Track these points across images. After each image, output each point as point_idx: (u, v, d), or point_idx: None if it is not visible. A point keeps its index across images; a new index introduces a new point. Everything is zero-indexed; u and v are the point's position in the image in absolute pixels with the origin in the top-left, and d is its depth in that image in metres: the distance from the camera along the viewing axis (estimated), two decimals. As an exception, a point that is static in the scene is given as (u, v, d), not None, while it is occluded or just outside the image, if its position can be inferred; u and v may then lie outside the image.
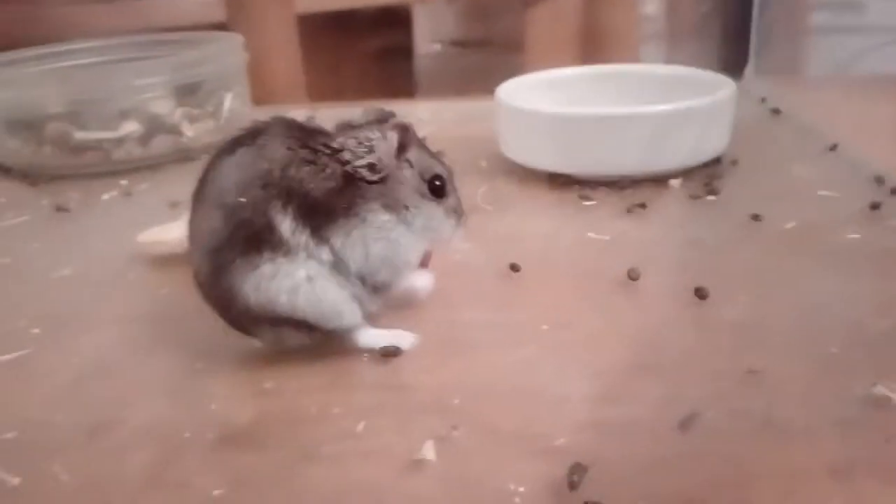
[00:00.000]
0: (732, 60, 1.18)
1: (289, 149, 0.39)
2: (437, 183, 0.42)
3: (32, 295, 0.54)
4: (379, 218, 0.40)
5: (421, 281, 0.45)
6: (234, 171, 0.39)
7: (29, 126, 0.78)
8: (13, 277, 0.57)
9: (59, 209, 0.70)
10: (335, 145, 0.40)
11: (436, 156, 0.44)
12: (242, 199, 0.38)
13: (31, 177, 0.79)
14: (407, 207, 0.41)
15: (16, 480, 0.35)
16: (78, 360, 0.45)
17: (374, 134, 0.40)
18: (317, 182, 0.39)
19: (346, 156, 0.40)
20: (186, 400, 0.40)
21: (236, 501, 0.33)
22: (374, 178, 0.40)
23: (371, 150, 0.40)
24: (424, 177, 0.42)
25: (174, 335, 0.46)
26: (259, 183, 0.38)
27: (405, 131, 0.40)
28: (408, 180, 0.41)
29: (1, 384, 0.43)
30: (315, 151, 0.40)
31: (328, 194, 0.39)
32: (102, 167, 0.78)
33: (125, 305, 0.51)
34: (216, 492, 0.33)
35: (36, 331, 0.48)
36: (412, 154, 0.41)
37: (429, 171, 0.42)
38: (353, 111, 0.44)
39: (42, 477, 0.35)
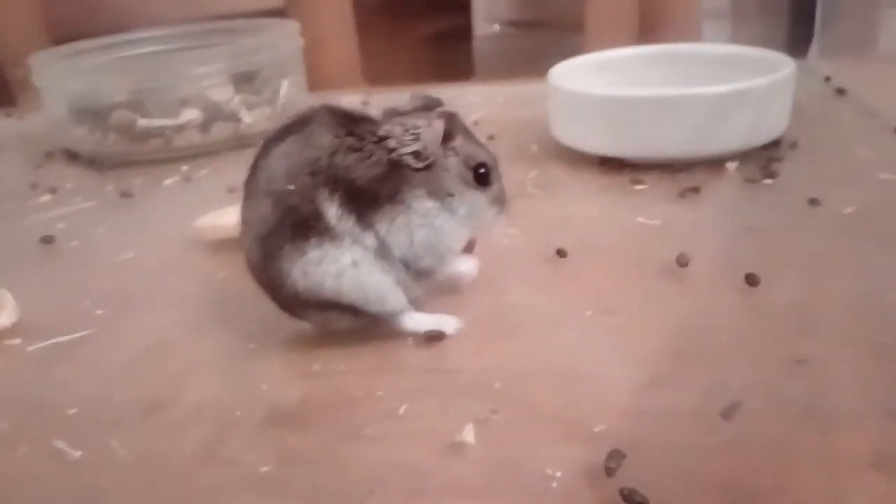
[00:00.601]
0: (798, 38, 1.14)
1: (335, 136, 0.40)
2: (482, 171, 0.42)
3: (97, 277, 0.56)
4: (423, 205, 0.41)
5: (466, 266, 0.45)
6: (282, 159, 0.40)
7: (95, 114, 0.81)
8: (80, 260, 0.60)
9: (124, 195, 0.73)
10: (381, 133, 0.41)
11: (481, 143, 0.44)
12: (291, 187, 0.39)
13: (97, 163, 0.82)
14: (451, 195, 0.42)
15: (77, 454, 0.37)
16: (137, 341, 0.47)
17: (420, 122, 0.41)
18: (363, 169, 0.40)
19: (392, 143, 0.40)
20: (239, 380, 0.42)
21: (282, 478, 0.34)
22: (420, 165, 0.40)
23: (417, 138, 0.40)
24: (469, 164, 0.42)
25: (229, 317, 0.48)
26: (307, 170, 0.39)
27: (451, 119, 0.41)
28: (453, 168, 0.42)
29: (65, 362, 0.45)
30: (361, 139, 0.40)
31: (374, 181, 0.40)
32: (164, 154, 0.81)
33: (183, 288, 0.53)
34: (264, 468, 0.35)
35: (99, 312, 0.51)
36: (457, 142, 0.42)
37: (473, 158, 0.42)
38: (405, 97, 0.45)
39: (101, 451, 0.37)
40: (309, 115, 0.41)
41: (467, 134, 0.43)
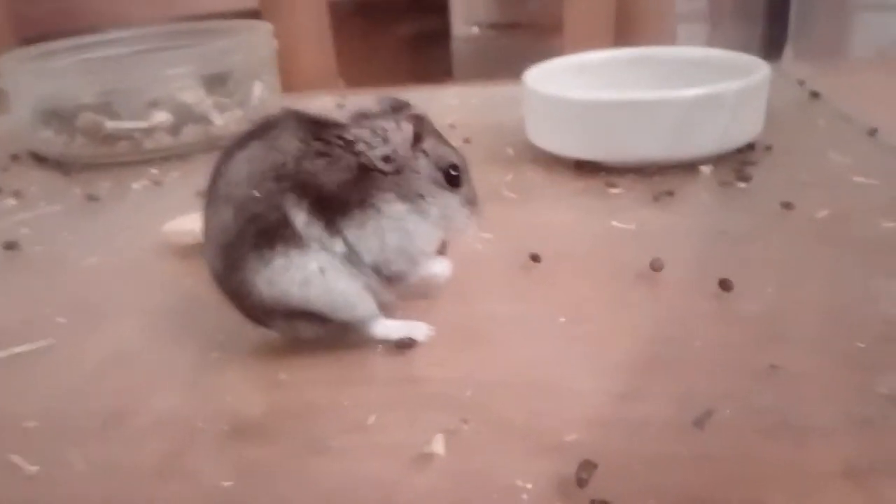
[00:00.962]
0: (773, 41, 1.14)
1: (302, 141, 0.39)
2: (453, 172, 0.41)
3: (60, 284, 0.55)
4: (394, 208, 0.40)
5: (439, 267, 0.44)
6: (245, 165, 0.39)
7: (62, 116, 0.79)
8: (43, 266, 0.58)
9: (91, 198, 0.71)
10: (349, 137, 0.40)
11: (451, 145, 0.43)
12: (256, 194, 0.38)
13: (64, 166, 0.80)
14: (422, 197, 0.41)
15: (34, 468, 0.36)
16: (99, 350, 0.45)
17: (389, 124, 0.40)
18: (331, 174, 0.39)
19: (361, 147, 0.39)
20: (202, 391, 0.41)
21: (244, 493, 0.33)
22: (389, 169, 0.40)
23: (386, 141, 0.39)
24: (440, 166, 0.41)
25: (194, 325, 0.47)
26: (272, 175, 0.38)
27: (420, 121, 0.40)
28: (423, 170, 0.41)
29: (24, 373, 0.44)
30: (328, 143, 0.39)
31: (343, 186, 0.39)
32: (133, 156, 0.80)
33: (148, 295, 0.52)
34: (226, 483, 0.34)
35: (61, 320, 0.49)
36: (427, 144, 0.41)
37: (444, 160, 0.41)
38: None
39: (59, 465, 0.36)
40: (273, 120, 0.40)
41: (437, 135, 0.42)
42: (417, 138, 0.40)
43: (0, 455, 0.37)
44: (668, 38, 1.21)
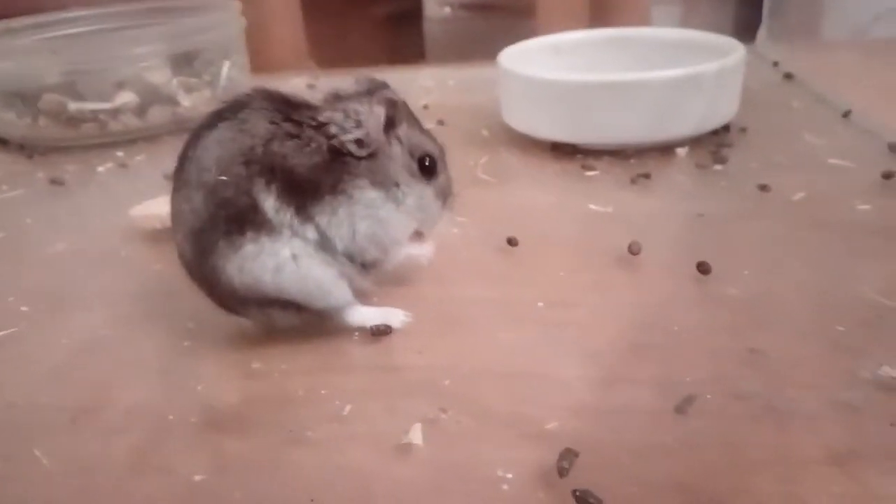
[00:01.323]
0: (746, 22, 1.14)
1: (272, 122, 0.38)
2: (428, 163, 0.40)
3: (24, 271, 0.53)
4: (366, 195, 0.39)
5: (421, 249, 0.44)
6: (214, 147, 0.38)
7: (24, 97, 0.77)
8: (6, 253, 0.57)
9: (55, 182, 0.69)
10: (321, 119, 0.38)
11: (428, 132, 0.42)
12: (224, 178, 0.37)
13: (27, 149, 0.78)
14: (397, 184, 0.40)
15: (-3, 465, 0.34)
16: (66, 340, 0.44)
17: (363, 107, 0.39)
18: (301, 157, 0.38)
19: (333, 130, 0.38)
20: (173, 381, 0.40)
21: (218, 487, 0.32)
22: (362, 153, 0.38)
23: (358, 125, 0.38)
24: (414, 155, 0.40)
25: (164, 313, 0.45)
26: (241, 160, 0.37)
27: (393, 105, 0.39)
28: (397, 157, 0.40)
29: (-13, 364, 0.42)
30: (300, 125, 0.38)
31: (313, 170, 0.38)
32: (99, 139, 0.77)
33: (117, 282, 0.50)
34: (198, 477, 0.33)
35: (25, 308, 0.48)
36: (402, 130, 0.40)
37: (419, 148, 0.40)
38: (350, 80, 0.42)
39: (24, 460, 0.35)
40: (243, 99, 0.39)
41: (412, 122, 0.41)
42: (391, 123, 0.39)
43: (-39, 450, 0.35)
44: (643, 20, 1.20)
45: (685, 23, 1.49)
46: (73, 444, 0.36)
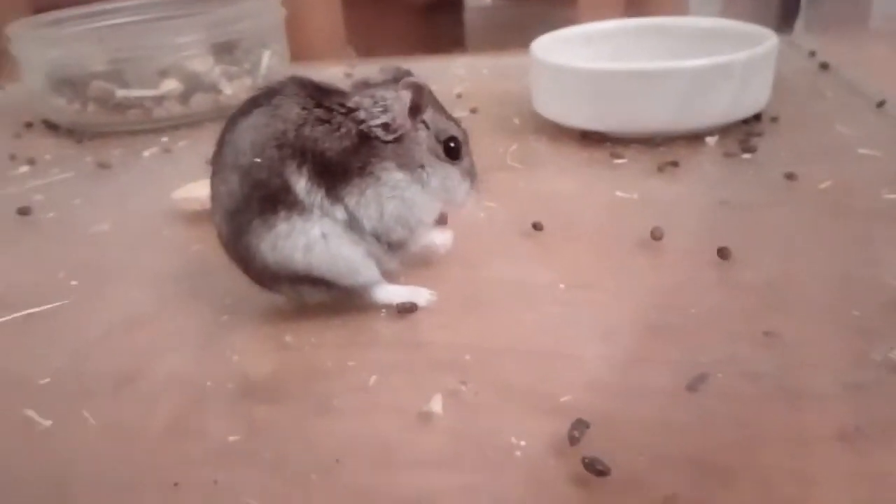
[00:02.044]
0: (788, 11, 1.13)
1: (303, 108, 0.40)
2: (452, 145, 0.42)
3: (73, 248, 0.56)
4: (393, 177, 0.40)
5: (441, 237, 0.45)
6: (249, 132, 0.40)
7: (73, 85, 0.80)
8: (56, 232, 0.60)
9: (102, 166, 0.72)
10: (350, 104, 0.40)
11: (452, 117, 0.44)
12: (258, 161, 0.39)
13: (76, 134, 0.82)
14: (422, 167, 0.41)
15: (48, 423, 0.37)
16: (111, 313, 0.47)
17: (389, 93, 0.40)
18: (331, 141, 0.39)
19: (361, 115, 0.40)
20: (210, 352, 0.42)
21: (250, 448, 0.34)
22: (389, 137, 0.40)
23: (386, 110, 0.40)
24: (440, 138, 0.42)
25: (203, 289, 0.48)
26: (274, 143, 0.39)
27: (419, 90, 0.40)
28: (423, 140, 0.41)
29: (39, 333, 0.45)
30: (330, 110, 0.40)
31: (343, 153, 0.40)
32: (144, 125, 0.80)
33: (159, 260, 0.53)
34: (232, 438, 0.35)
35: (74, 283, 0.50)
36: (427, 115, 0.41)
37: (444, 132, 0.42)
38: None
39: (72, 420, 0.37)
40: (276, 87, 0.41)
41: (437, 107, 0.43)
42: (416, 108, 0.41)
43: (15, 410, 0.38)
44: (681, 8, 1.20)
45: (726, 11, 1.47)
46: (117, 408, 0.38)
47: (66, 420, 0.37)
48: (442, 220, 0.45)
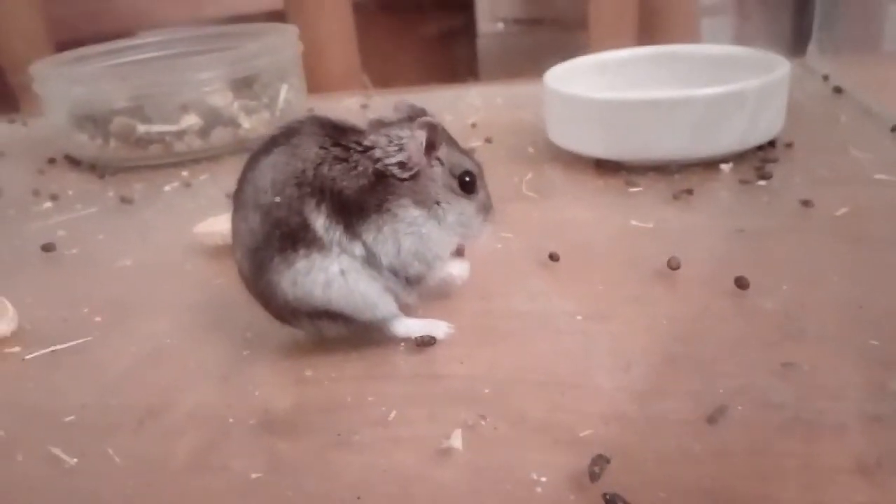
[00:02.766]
0: (801, 35, 1.14)
1: (321, 147, 0.41)
2: (467, 179, 0.43)
3: (96, 284, 0.57)
4: (410, 213, 0.41)
5: (457, 269, 0.46)
6: (269, 171, 0.41)
7: (95, 121, 0.82)
8: (80, 267, 0.61)
9: (124, 200, 0.73)
10: (367, 143, 0.41)
11: (466, 152, 0.44)
12: (277, 199, 0.40)
13: (98, 169, 0.83)
14: (438, 203, 0.42)
15: (73, 461, 0.38)
16: (135, 348, 0.47)
17: (405, 132, 0.41)
18: (349, 180, 0.40)
19: (377, 154, 0.41)
20: (232, 386, 0.42)
21: (272, 485, 0.35)
22: (405, 175, 0.41)
23: (401, 149, 0.41)
24: (454, 173, 0.43)
25: (225, 324, 0.49)
26: (293, 182, 0.40)
27: (433, 129, 0.41)
28: (438, 177, 0.42)
29: (63, 370, 0.46)
30: (347, 149, 0.41)
31: (360, 192, 0.40)
32: (165, 159, 0.82)
33: (181, 294, 0.54)
34: (254, 475, 0.35)
35: (98, 319, 0.51)
36: (442, 151, 0.42)
37: (459, 167, 0.43)
38: (410, 97, 0.45)
39: (97, 458, 0.38)
40: (296, 125, 0.42)
41: (451, 142, 0.43)
42: (431, 146, 0.42)
43: (41, 447, 0.39)
44: (693, 34, 1.21)
45: (740, 35, 1.48)
46: (141, 444, 0.39)
47: (90, 457, 0.38)
48: (459, 252, 0.46)
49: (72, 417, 0.41)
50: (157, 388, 0.43)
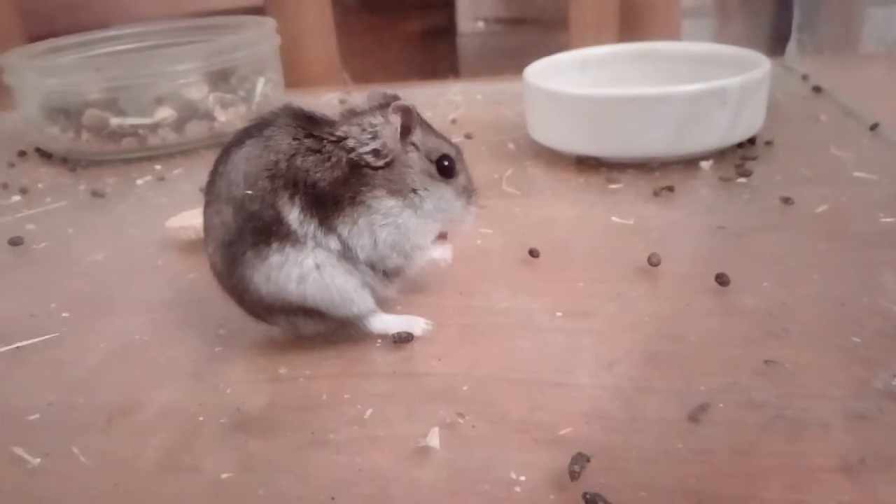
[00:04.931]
0: (780, 35, 1.14)
1: (294, 139, 0.40)
2: (446, 163, 0.42)
3: (66, 278, 0.56)
4: (385, 204, 0.40)
5: (440, 252, 0.45)
6: (242, 163, 0.39)
7: (67, 113, 0.80)
8: (48, 262, 0.59)
9: (96, 194, 0.72)
10: (339, 133, 0.40)
11: (441, 135, 0.43)
12: (250, 192, 0.39)
13: (70, 162, 0.81)
14: (415, 191, 0.41)
15: (36, 461, 0.36)
16: (104, 344, 0.46)
17: (377, 119, 0.40)
18: (323, 172, 0.39)
19: (351, 143, 0.40)
20: (204, 384, 0.41)
21: (244, 485, 0.34)
22: (380, 163, 0.40)
23: (375, 136, 0.40)
24: (432, 158, 0.42)
25: (196, 320, 0.47)
26: (266, 175, 0.39)
27: (407, 113, 0.40)
28: (415, 163, 0.41)
29: (29, 367, 0.45)
30: (320, 140, 0.40)
31: (334, 184, 0.39)
32: (138, 153, 0.80)
33: (152, 290, 0.52)
34: (225, 475, 0.34)
35: (66, 315, 0.50)
36: (416, 136, 0.41)
37: (436, 151, 0.42)
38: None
39: (62, 458, 0.36)
40: (269, 117, 0.41)
41: (426, 127, 0.42)
42: (406, 130, 0.41)
43: (3, 447, 0.37)
44: (673, 33, 1.21)
45: (719, 35, 1.49)
46: (108, 443, 0.37)
47: (55, 457, 0.36)
48: (442, 238, 0.45)
49: (36, 416, 0.40)
50: (127, 386, 0.42)
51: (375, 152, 0.40)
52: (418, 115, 0.41)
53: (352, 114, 0.42)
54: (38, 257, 0.60)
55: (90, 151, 0.80)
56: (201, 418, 0.38)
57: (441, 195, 0.42)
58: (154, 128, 0.80)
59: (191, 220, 0.57)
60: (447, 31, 1.75)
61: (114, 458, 0.36)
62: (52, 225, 0.65)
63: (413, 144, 0.41)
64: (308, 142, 0.40)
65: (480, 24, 1.80)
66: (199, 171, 0.75)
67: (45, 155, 0.85)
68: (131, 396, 0.41)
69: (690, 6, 1.46)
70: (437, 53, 1.71)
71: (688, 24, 1.39)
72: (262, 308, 0.41)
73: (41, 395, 0.41)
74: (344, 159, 0.40)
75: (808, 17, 0.95)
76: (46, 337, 0.47)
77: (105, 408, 0.40)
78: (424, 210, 0.41)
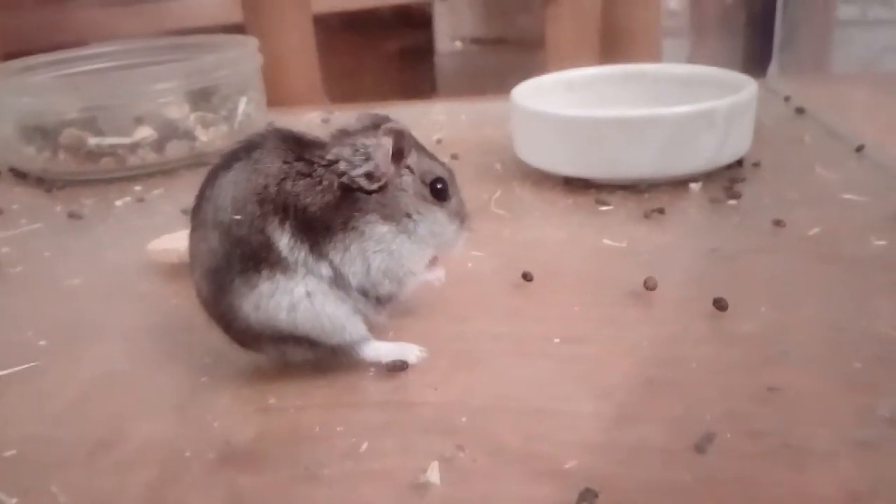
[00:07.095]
0: (755, 57, 1.15)
1: (285, 162, 0.38)
2: (439, 186, 0.41)
3: (42, 305, 0.54)
4: (378, 230, 0.39)
5: (433, 274, 0.44)
6: (229, 188, 0.38)
7: (44, 132, 0.78)
8: (23, 287, 0.57)
9: (73, 216, 0.70)
10: (330, 157, 0.39)
11: (435, 158, 0.42)
12: (238, 217, 0.37)
13: (46, 183, 0.79)
14: (409, 215, 0.40)
15: (13, 501, 0.34)
16: (83, 374, 0.44)
17: (370, 141, 0.39)
18: (313, 196, 0.38)
19: (342, 167, 0.39)
20: (189, 416, 0.40)
21: (233, 525, 0.32)
22: (373, 187, 0.39)
23: (368, 158, 0.39)
24: (425, 180, 0.41)
25: (181, 348, 0.46)
26: (255, 199, 0.37)
27: (400, 135, 0.39)
28: (409, 186, 0.40)
29: (5, 399, 0.43)
30: (311, 163, 0.39)
31: (325, 208, 0.38)
32: (117, 173, 0.78)
33: (134, 317, 0.51)
34: (213, 514, 0.33)
35: (43, 343, 0.48)
36: (411, 159, 0.40)
37: (430, 174, 0.41)
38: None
39: (40, 496, 0.35)
40: (257, 139, 0.40)
41: (420, 149, 0.42)
42: (399, 153, 0.40)
43: (-22, 487, 0.35)
44: (654, 55, 1.22)
45: (694, 56, 1.50)
46: (89, 479, 0.36)
47: (33, 495, 0.35)
48: (433, 260, 0.44)
49: (13, 451, 0.38)
50: (108, 419, 0.40)
51: (368, 175, 0.39)
52: (411, 136, 0.40)
53: (343, 134, 0.40)
54: (13, 282, 0.58)
55: (67, 172, 0.79)
56: (187, 453, 0.37)
57: (435, 219, 0.41)
58: (133, 147, 0.78)
59: (173, 242, 0.55)
60: (426, 50, 1.75)
61: (95, 496, 0.35)
62: (27, 248, 0.63)
63: (408, 167, 0.40)
64: (298, 165, 0.38)
65: (458, 43, 1.80)
66: (179, 191, 0.74)
67: (19, 175, 0.83)
68: (113, 429, 0.39)
69: (666, 26, 1.47)
70: (416, 74, 1.71)
71: (663, 45, 1.41)
72: (250, 336, 0.39)
73: (18, 428, 0.40)
74: (335, 183, 0.38)
75: (790, 38, 0.96)
76: (23, 367, 0.45)
77: (86, 441, 0.38)
78: (418, 235, 0.40)
